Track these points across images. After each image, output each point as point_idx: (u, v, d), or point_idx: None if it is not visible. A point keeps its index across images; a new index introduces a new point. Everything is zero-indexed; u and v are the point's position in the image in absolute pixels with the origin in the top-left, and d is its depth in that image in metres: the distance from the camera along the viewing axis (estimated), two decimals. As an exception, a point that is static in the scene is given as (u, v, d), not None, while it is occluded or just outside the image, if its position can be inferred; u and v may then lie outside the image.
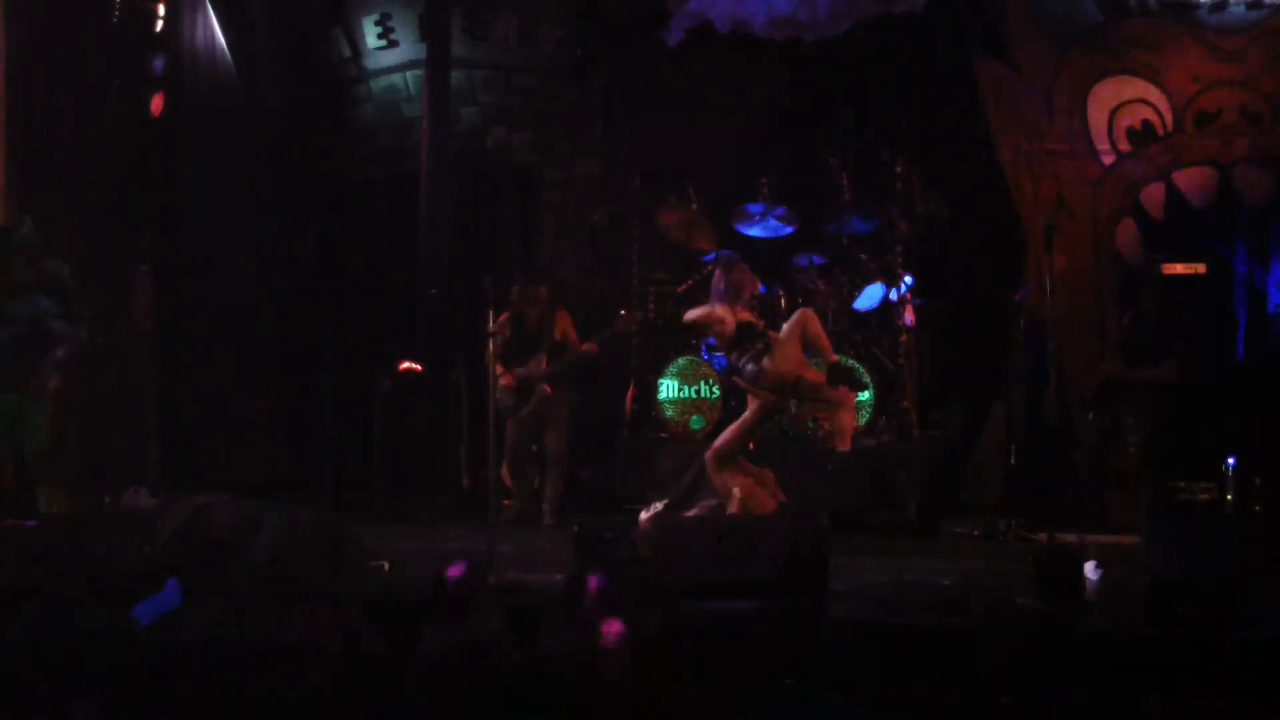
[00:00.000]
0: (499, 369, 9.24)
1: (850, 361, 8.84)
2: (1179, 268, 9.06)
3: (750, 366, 8.13)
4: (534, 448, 9.51)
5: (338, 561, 6.75)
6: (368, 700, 4.50)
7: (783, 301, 9.69)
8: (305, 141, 11.31)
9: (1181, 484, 8.41)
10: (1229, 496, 7.91)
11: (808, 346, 8.26)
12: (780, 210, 10.01)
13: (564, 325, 9.41)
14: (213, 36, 10.44)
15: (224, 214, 10.45)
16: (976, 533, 8.57)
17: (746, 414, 8.38)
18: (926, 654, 5.68)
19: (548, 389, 9.31)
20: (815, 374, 8.19)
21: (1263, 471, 8.13)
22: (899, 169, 9.95)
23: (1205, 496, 8.28)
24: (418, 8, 10.90)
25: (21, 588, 5.38)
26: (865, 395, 9.31)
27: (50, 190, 9.10)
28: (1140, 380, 8.36)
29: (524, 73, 11.26)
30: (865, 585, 6.98)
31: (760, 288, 9.77)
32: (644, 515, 8.04)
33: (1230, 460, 7.95)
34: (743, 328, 8.20)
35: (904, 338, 9.66)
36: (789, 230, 10.02)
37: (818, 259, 9.89)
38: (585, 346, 9.32)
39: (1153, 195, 9.15)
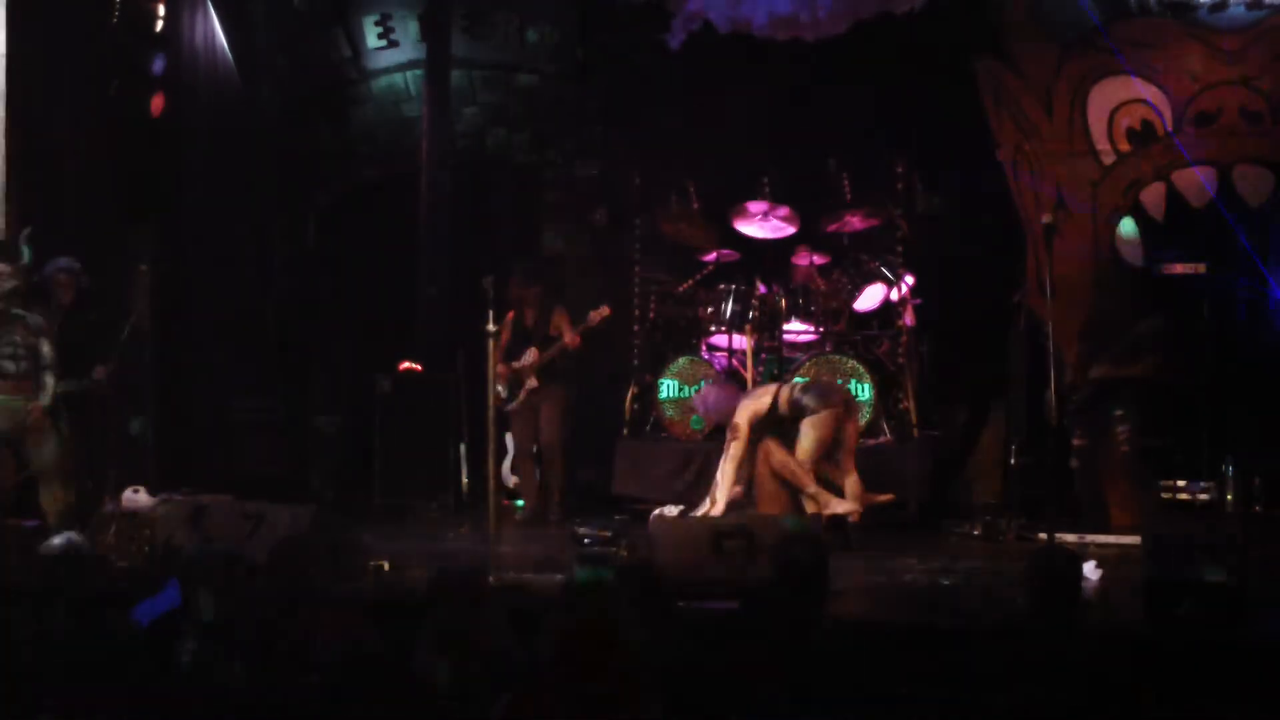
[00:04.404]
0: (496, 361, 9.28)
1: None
2: (1179, 268, 9.06)
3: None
4: (535, 447, 9.52)
5: (338, 561, 6.75)
6: (368, 701, 4.50)
7: (782, 302, 9.69)
8: (305, 141, 11.31)
9: (1181, 484, 8.41)
10: (1229, 496, 7.90)
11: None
12: (781, 210, 10.01)
13: (560, 322, 9.41)
14: (213, 36, 10.43)
15: (224, 213, 10.45)
16: (976, 533, 8.57)
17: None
18: (926, 654, 5.68)
19: (534, 381, 9.32)
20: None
21: (1263, 471, 8.13)
22: (899, 169, 9.95)
23: (1205, 496, 8.28)
24: (418, 8, 10.89)
25: (22, 588, 5.37)
26: (865, 395, 9.32)
27: (50, 190, 9.10)
28: (1124, 378, 8.36)
29: (524, 73, 11.25)
30: (865, 585, 6.99)
31: (762, 288, 9.80)
32: (668, 512, 8.04)
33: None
34: None
35: (904, 338, 9.66)
36: (790, 230, 10.02)
37: (818, 259, 9.90)
38: (567, 339, 9.33)
39: (1153, 195, 9.14)
